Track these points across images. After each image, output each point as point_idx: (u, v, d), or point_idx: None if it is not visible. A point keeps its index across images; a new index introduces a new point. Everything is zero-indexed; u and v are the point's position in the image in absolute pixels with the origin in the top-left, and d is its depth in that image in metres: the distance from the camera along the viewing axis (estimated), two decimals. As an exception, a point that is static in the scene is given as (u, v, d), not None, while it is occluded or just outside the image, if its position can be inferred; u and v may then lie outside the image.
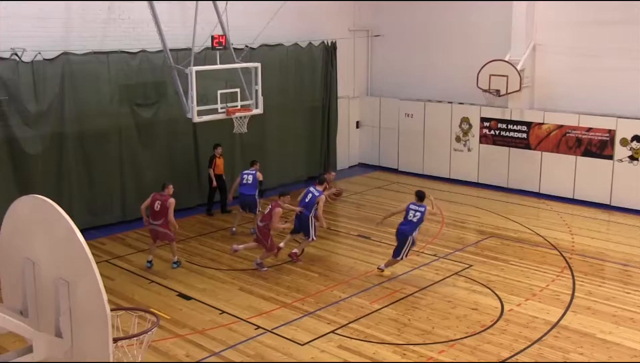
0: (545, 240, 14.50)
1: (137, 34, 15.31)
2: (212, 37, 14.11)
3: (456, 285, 12.09)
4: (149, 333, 6.84)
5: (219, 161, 16.09)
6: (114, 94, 15.07)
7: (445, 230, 15.33)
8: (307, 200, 13.36)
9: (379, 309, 11.15)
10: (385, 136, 21.43)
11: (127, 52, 15.16)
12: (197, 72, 13.62)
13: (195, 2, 13.85)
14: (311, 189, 13.53)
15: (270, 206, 12.80)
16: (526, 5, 18.06)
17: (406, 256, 12.40)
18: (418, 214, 12.25)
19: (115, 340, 6.08)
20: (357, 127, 22.07)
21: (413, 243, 12.38)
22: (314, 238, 13.43)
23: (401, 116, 20.83)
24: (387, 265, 12.57)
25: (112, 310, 5.03)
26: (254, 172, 14.86)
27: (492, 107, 18.86)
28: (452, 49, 19.89)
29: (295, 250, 13.45)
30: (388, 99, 21.25)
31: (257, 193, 14.77)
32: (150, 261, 12.98)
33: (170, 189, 12.93)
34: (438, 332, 10.33)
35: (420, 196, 12.51)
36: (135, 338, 6.81)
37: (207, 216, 16.47)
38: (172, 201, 12.66)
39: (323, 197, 13.44)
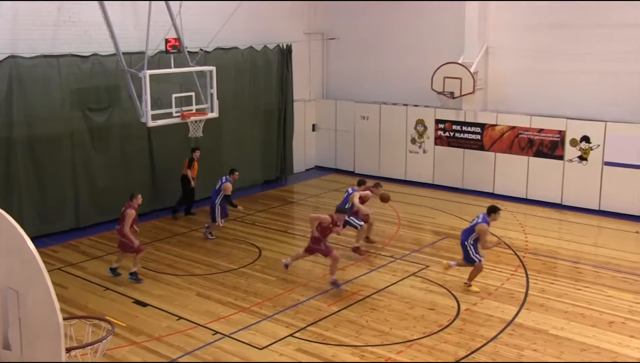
0: (500, 240, 14.71)
1: (88, 37, 15.04)
2: (166, 41, 13.96)
3: (413, 286, 12.19)
4: (103, 341, 6.73)
5: (195, 165, 16.32)
6: (65, 98, 14.77)
7: (402, 232, 15.46)
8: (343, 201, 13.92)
9: (337, 311, 11.17)
10: (341, 139, 21.51)
11: (79, 56, 14.88)
12: (151, 76, 13.45)
13: (148, 3, 13.65)
14: (349, 190, 14.14)
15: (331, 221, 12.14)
16: (478, 8, 18.36)
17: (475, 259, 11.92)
18: (473, 220, 12.07)
19: (68, 350, 5.96)
20: (313, 130, 22.10)
21: (470, 249, 11.91)
22: (359, 226, 13.85)
23: (357, 118, 20.95)
24: (471, 278, 12.08)
25: (64, 319, 4.93)
26: (223, 180, 14.87)
27: (447, 109, 19.10)
28: (407, 52, 20.08)
29: (356, 245, 13.90)
30: (344, 101, 21.35)
31: (217, 200, 14.68)
32: (114, 269, 12.61)
33: (139, 199, 12.59)
34: (396, 332, 10.40)
35: (489, 210, 12.03)
36: (89, 347, 6.69)
37: (186, 215, 16.68)
38: (129, 212, 12.26)
39: (356, 193, 13.80)
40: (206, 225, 15.15)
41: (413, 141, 19.92)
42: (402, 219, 16.37)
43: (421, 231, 15.63)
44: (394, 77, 20.37)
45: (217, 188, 14.79)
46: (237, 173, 15.12)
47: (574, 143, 17.13)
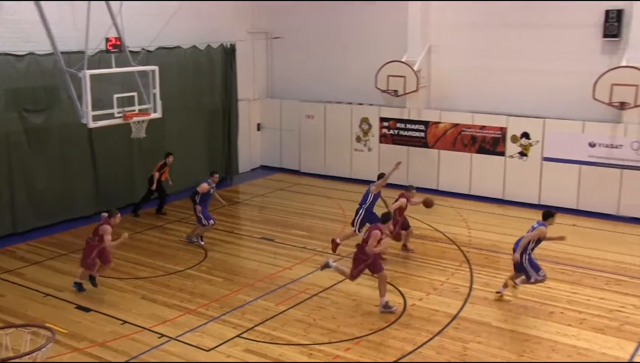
0: (445, 235, 14.98)
1: (25, 36, 14.57)
2: (107, 40, 13.64)
3: (360, 283, 12.23)
4: (42, 349, 6.53)
5: (167, 169, 16.54)
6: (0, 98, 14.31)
7: (348, 229, 15.51)
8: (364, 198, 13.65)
9: (285, 311, 11.15)
10: (286, 138, 21.48)
11: (14, 55, 14.42)
12: (91, 76, 13.07)
13: (87, 2, 13.32)
14: (369, 187, 13.77)
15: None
16: (421, 8, 18.59)
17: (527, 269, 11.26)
18: (530, 229, 11.44)
19: (3, 361, 5.76)
20: (258, 129, 22.00)
21: (524, 263, 11.18)
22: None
23: (302, 117, 20.95)
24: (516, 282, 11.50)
25: (0, 328, 4.76)
26: (203, 181, 14.56)
27: (391, 107, 19.29)
28: (351, 51, 20.19)
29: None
30: (289, 101, 21.32)
31: (196, 202, 14.40)
32: (77, 284, 11.94)
33: (117, 219, 11.74)
34: (344, 330, 10.44)
35: (544, 215, 11.55)
36: (27, 356, 6.47)
37: (157, 213, 16.75)
38: (107, 228, 11.50)
39: (374, 187, 13.59)
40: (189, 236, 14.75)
41: (358, 139, 20.04)
42: (348, 217, 16.43)
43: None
44: (339, 76, 20.45)
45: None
46: (216, 175, 14.81)
47: (514, 139, 17.52)
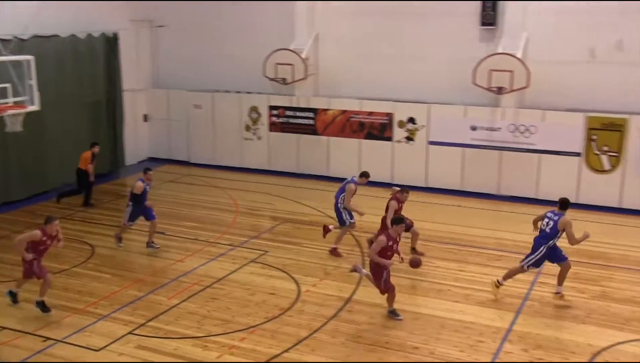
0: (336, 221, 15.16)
1: None
2: (-27, 27, 12.80)
3: (253, 272, 12.23)
4: None
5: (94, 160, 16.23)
6: None
7: (240, 219, 15.44)
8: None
9: (178, 304, 10.94)
10: (174, 129, 21.03)
11: None
12: (-43, 66, 12.27)
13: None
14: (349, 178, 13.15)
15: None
16: (306, -5, 18.70)
17: (528, 266, 10.94)
18: (551, 223, 10.69)
19: None
20: (145, 120, 21.40)
21: (546, 256, 10.77)
22: (349, 222, 12.94)
23: (190, 107, 20.56)
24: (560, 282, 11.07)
25: None
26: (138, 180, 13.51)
27: (280, 95, 19.29)
28: (239, 39, 20.00)
29: (334, 246, 13.08)
30: (175, 90, 20.86)
31: (130, 203, 13.46)
32: (12, 292, 10.98)
33: (54, 226, 10.55)
34: (238, 319, 10.38)
35: (562, 204, 10.81)
36: None
37: (84, 206, 16.32)
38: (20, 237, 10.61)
39: (351, 186, 12.86)
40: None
41: (247, 128, 19.92)
42: (240, 206, 16.35)
43: (259, 218, 15.71)
44: (226, 65, 20.21)
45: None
46: (150, 172, 13.58)
47: (401, 124, 18.00)
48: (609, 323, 10.25)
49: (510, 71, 16.15)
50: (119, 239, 13.63)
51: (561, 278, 10.99)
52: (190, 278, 11.99)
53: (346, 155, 18.67)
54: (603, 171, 16.21)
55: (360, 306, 10.81)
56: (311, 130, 19.07)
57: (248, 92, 19.88)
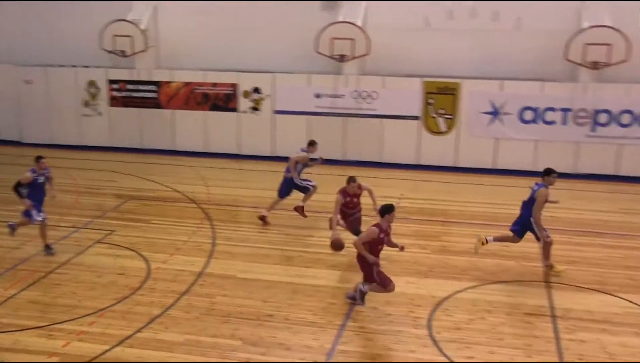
0: (184, 195, 14.90)
1: None
2: None
3: (100, 253, 11.71)
4: None
5: None
6: None
7: (82, 199, 14.71)
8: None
9: (16, 294, 10.22)
10: (3, 106, 19.53)
11: None
12: None
13: None
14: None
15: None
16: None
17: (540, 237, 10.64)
18: (530, 192, 10.65)
19: None
20: (-31, 99, 19.71)
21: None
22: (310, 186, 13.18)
23: (20, 83, 19.17)
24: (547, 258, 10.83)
25: None
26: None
27: (120, 68, 18.48)
28: (71, 9, 18.88)
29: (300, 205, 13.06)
30: (2, 65, 19.34)
31: (22, 195, 11.48)
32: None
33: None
34: (85, 304, 9.90)
35: (543, 173, 10.64)
36: None
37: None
38: None
39: (293, 159, 12.96)
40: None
41: (86, 103, 18.94)
42: (81, 186, 15.56)
43: (103, 196, 15.06)
44: (60, 38, 19.13)
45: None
46: (43, 161, 11.58)
47: (246, 94, 17.91)
48: (449, 274, 10.91)
49: (352, 39, 16.53)
50: (13, 228, 12.01)
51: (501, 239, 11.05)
52: (29, 265, 11.25)
53: (192, 128, 18.33)
54: (440, 133, 17.13)
55: (213, 279, 10.71)
56: (154, 103, 18.48)
57: (85, 66, 18.85)
